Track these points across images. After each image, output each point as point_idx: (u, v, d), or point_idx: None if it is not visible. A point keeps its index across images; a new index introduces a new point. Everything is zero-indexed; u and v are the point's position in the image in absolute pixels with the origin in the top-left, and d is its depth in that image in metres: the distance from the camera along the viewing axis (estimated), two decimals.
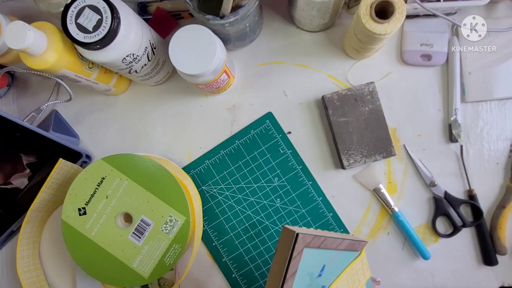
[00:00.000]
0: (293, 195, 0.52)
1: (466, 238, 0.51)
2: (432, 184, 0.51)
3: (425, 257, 0.49)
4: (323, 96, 0.51)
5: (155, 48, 0.47)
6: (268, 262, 0.52)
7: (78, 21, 0.39)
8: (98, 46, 0.39)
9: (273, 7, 0.54)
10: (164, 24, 0.54)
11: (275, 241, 0.52)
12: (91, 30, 0.39)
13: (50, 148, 0.51)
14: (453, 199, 0.50)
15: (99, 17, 0.39)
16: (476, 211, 0.50)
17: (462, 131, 0.50)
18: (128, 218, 0.45)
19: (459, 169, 0.51)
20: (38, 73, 0.44)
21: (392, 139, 0.50)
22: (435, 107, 0.52)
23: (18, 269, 0.50)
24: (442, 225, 0.51)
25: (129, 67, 0.45)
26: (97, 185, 0.44)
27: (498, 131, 0.51)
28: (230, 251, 0.52)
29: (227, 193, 0.53)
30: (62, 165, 0.48)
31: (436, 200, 0.50)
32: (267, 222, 0.52)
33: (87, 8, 0.39)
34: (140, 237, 0.44)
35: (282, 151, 0.53)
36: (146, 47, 0.45)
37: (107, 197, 0.44)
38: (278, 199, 0.52)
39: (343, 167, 0.51)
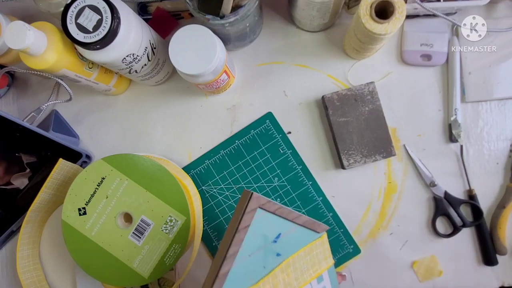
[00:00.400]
0: (293, 195, 0.52)
1: (466, 238, 0.51)
2: (432, 184, 0.51)
3: None
4: (323, 96, 0.51)
5: (155, 48, 0.47)
6: None
7: (78, 21, 0.39)
8: (98, 46, 0.39)
9: (273, 7, 0.54)
10: (164, 24, 0.54)
11: None
12: (91, 30, 0.39)
13: (50, 148, 0.51)
14: (453, 199, 0.50)
15: (99, 17, 0.39)
16: (476, 211, 0.50)
17: (462, 131, 0.50)
18: (128, 218, 0.45)
19: (459, 169, 0.51)
20: (38, 73, 0.44)
21: (392, 139, 0.50)
22: (435, 107, 0.52)
23: (18, 269, 0.50)
24: (442, 225, 0.51)
25: (129, 67, 0.45)
26: (97, 185, 0.44)
27: (498, 131, 0.51)
28: None
29: (227, 193, 0.53)
30: (62, 165, 0.48)
31: (436, 200, 0.50)
32: None
33: (87, 8, 0.39)
34: (140, 237, 0.44)
35: (282, 151, 0.53)
36: (146, 47, 0.45)
37: (107, 197, 0.44)
38: (278, 199, 0.52)
39: (343, 167, 0.51)
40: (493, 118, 0.51)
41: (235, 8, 0.43)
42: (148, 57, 0.46)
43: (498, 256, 0.49)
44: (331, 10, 0.46)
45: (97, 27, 0.39)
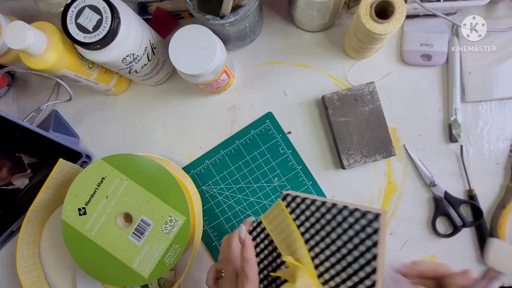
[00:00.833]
0: None
1: (466, 238, 0.51)
2: (432, 184, 0.51)
3: None
4: (323, 96, 0.51)
5: (155, 48, 0.47)
6: None
7: (78, 21, 0.39)
8: (98, 46, 0.39)
9: (273, 7, 0.54)
10: (164, 24, 0.54)
11: None
12: (91, 30, 0.39)
13: (50, 148, 0.51)
14: (453, 199, 0.50)
15: (99, 17, 0.39)
16: (476, 211, 0.50)
17: (462, 131, 0.50)
18: (128, 218, 0.45)
19: (459, 169, 0.51)
20: (38, 73, 0.44)
21: (392, 139, 0.50)
22: (435, 107, 0.52)
23: (18, 269, 0.50)
24: (442, 225, 0.51)
25: (129, 67, 0.45)
26: (97, 185, 0.44)
27: (498, 131, 0.51)
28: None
29: (227, 193, 0.53)
30: (62, 165, 0.48)
31: (436, 200, 0.50)
32: None
33: (87, 8, 0.39)
34: (140, 237, 0.44)
35: (282, 151, 0.53)
36: (146, 47, 0.45)
37: (107, 197, 0.44)
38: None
39: (343, 167, 0.51)
40: (493, 118, 0.51)
41: (235, 8, 0.43)
42: (148, 57, 0.46)
43: None
44: (331, 10, 0.46)
45: (97, 27, 0.39)
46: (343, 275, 0.31)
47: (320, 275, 0.32)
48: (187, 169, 0.54)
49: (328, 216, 0.32)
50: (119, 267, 0.44)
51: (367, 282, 0.29)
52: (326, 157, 0.53)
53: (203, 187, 0.54)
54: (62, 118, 0.55)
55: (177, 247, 0.44)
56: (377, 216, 0.29)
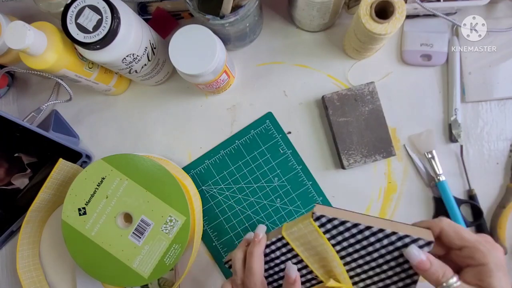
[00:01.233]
0: (293, 195, 0.52)
1: None
2: (432, 184, 0.51)
3: None
4: (323, 96, 0.51)
5: (155, 48, 0.47)
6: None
7: (78, 21, 0.39)
8: (98, 46, 0.39)
9: (273, 7, 0.54)
10: (164, 24, 0.54)
11: None
12: (91, 30, 0.39)
13: (50, 148, 0.51)
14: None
15: (99, 17, 0.39)
16: (476, 211, 0.50)
17: (462, 131, 0.50)
18: (128, 218, 0.45)
19: (459, 169, 0.51)
20: (38, 73, 0.44)
21: (392, 139, 0.50)
22: (435, 107, 0.52)
23: (18, 269, 0.50)
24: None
25: (129, 67, 0.45)
26: (97, 185, 0.44)
27: (498, 131, 0.51)
28: (230, 251, 0.52)
29: (227, 193, 0.53)
30: (62, 165, 0.48)
31: (436, 200, 0.50)
32: (267, 222, 0.52)
33: (87, 8, 0.39)
34: (140, 237, 0.44)
35: (282, 151, 0.53)
36: (146, 47, 0.45)
37: (107, 197, 0.44)
38: (278, 199, 0.52)
39: (343, 167, 0.51)
40: (493, 118, 0.51)
41: (235, 8, 0.43)
42: (148, 57, 0.46)
43: None
44: (331, 10, 0.46)
45: (97, 27, 0.39)
46: None
47: None
48: (187, 169, 0.54)
49: (372, 239, 0.31)
50: (119, 267, 0.44)
51: None
52: (326, 157, 0.53)
53: (203, 187, 0.54)
54: (62, 118, 0.56)
55: (177, 247, 0.44)
56: (429, 243, 0.29)
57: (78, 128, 0.56)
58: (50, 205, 0.52)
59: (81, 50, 0.42)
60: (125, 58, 0.42)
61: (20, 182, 0.53)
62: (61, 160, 0.47)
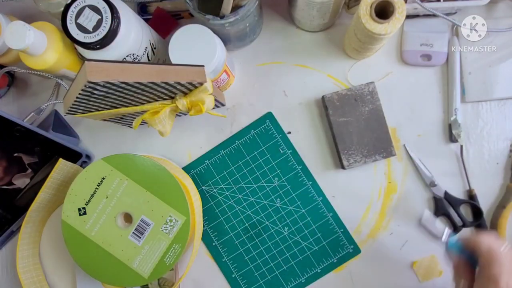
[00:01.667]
0: (293, 195, 0.52)
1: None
2: (432, 184, 0.51)
3: None
4: (323, 96, 0.51)
5: (155, 48, 0.47)
6: (268, 262, 0.52)
7: (78, 21, 0.39)
8: (98, 46, 0.39)
9: (273, 7, 0.54)
10: (164, 24, 0.54)
11: (275, 241, 0.52)
12: (91, 30, 0.39)
13: (50, 148, 0.51)
14: (453, 199, 0.50)
15: (99, 17, 0.39)
16: (476, 211, 0.50)
17: (462, 131, 0.50)
18: (128, 218, 0.45)
19: (459, 169, 0.51)
20: (38, 73, 0.44)
21: (392, 139, 0.50)
22: (435, 107, 0.52)
23: (18, 269, 0.50)
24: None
25: None
26: (97, 185, 0.44)
27: (498, 131, 0.51)
28: (230, 251, 0.52)
29: (227, 193, 0.53)
30: (62, 165, 0.48)
31: (436, 200, 0.50)
32: (267, 222, 0.52)
33: (87, 8, 0.39)
34: (140, 237, 0.44)
35: (282, 151, 0.53)
36: (146, 47, 0.45)
37: (107, 197, 0.44)
38: (278, 199, 0.52)
39: (343, 167, 0.51)
40: (493, 118, 0.51)
41: (235, 8, 0.43)
42: (148, 57, 0.46)
43: None
44: (331, 10, 0.46)
45: (97, 27, 0.39)
46: None
47: None
48: (187, 169, 0.54)
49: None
50: (119, 267, 0.44)
51: None
52: (326, 157, 0.53)
53: (203, 187, 0.54)
54: (62, 118, 0.55)
55: (177, 247, 0.44)
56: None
57: (78, 128, 0.56)
58: (50, 205, 0.52)
59: (81, 50, 0.42)
60: (125, 58, 0.42)
61: (21, 182, 0.53)
62: (61, 160, 0.47)
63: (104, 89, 0.35)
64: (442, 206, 0.50)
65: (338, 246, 0.52)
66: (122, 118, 0.47)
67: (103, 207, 0.44)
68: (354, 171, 0.52)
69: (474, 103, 0.51)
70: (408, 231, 0.51)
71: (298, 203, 0.52)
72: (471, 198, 0.50)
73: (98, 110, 0.41)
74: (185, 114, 0.52)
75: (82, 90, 0.34)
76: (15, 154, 0.52)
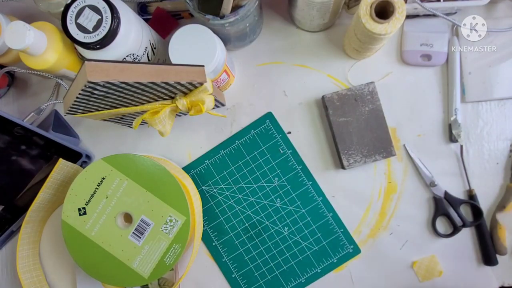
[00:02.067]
0: (293, 195, 0.52)
1: (466, 238, 0.51)
2: (432, 184, 0.51)
3: None
4: (323, 96, 0.51)
5: (155, 48, 0.47)
6: (268, 262, 0.52)
7: (78, 21, 0.39)
8: (98, 46, 0.39)
9: (273, 7, 0.54)
10: (164, 24, 0.54)
11: (275, 241, 0.52)
12: (91, 30, 0.39)
13: (50, 148, 0.51)
14: (453, 199, 0.50)
15: (99, 17, 0.39)
16: (476, 211, 0.50)
17: (462, 131, 0.50)
18: (128, 218, 0.45)
19: (459, 169, 0.51)
20: (38, 73, 0.44)
21: (392, 139, 0.50)
22: (435, 107, 0.52)
23: (18, 269, 0.50)
24: (442, 225, 0.51)
25: None
26: (97, 185, 0.44)
27: (498, 131, 0.51)
28: (230, 251, 0.52)
29: (227, 193, 0.53)
30: (62, 165, 0.48)
31: (436, 200, 0.50)
32: (267, 222, 0.52)
33: (87, 8, 0.39)
34: (140, 237, 0.44)
35: (282, 151, 0.53)
36: (146, 47, 0.45)
37: (107, 197, 0.44)
38: (278, 199, 0.52)
39: (343, 167, 0.51)
40: (493, 118, 0.51)
41: (235, 8, 0.43)
42: (148, 57, 0.46)
43: (498, 256, 0.49)
44: (331, 10, 0.46)
45: (97, 27, 0.39)
46: None
47: None
48: (187, 169, 0.54)
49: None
50: (119, 267, 0.44)
51: None
52: (326, 157, 0.53)
53: (203, 187, 0.54)
54: (62, 118, 0.55)
55: (177, 247, 0.44)
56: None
57: (78, 128, 0.56)
58: (50, 205, 0.52)
59: (81, 50, 0.42)
60: (125, 58, 0.42)
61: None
62: (61, 160, 0.47)
63: (104, 89, 0.35)
64: (442, 206, 0.50)
65: (338, 246, 0.52)
66: (122, 118, 0.47)
67: (103, 207, 0.44)
68: (354, 171, 0.52)
69: (474, 103, 0.51)
70: (408, 231, 0.51)
71: (298, 203, 0.52)
72: (471, 198, 0.50)
73: (98, 110, 0.41)
74: (185, 114, 0.52)
75: (82, 90, 0.34)
76: (14, 157, 0.52)
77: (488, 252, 0.49)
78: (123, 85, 0.35)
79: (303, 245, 0.52)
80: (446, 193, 0.50)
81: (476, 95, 0.50)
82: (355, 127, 0.50)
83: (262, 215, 0.52)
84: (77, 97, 0.36)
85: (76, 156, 0.52)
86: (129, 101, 0.41)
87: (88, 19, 0.39)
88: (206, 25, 0.43)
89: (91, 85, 0.34)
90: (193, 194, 0.49)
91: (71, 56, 0.44)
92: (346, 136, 0.50)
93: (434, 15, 0.46)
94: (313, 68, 0.54)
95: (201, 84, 0.40)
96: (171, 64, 0.39)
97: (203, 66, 0.40)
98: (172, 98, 0.43)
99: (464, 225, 0.50)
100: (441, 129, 0.52)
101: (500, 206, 0.50)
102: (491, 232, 0.50)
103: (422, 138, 0.52)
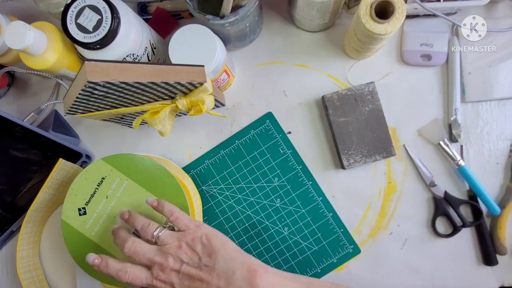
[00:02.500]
0: (293, 195, 0.52)
1: (466, 238, 0.51)
2: (432, 184, 0.51)
3: (494, 212, 0.48)
4: (323, 96, 0.51)
5: (155, 48, 0.47)
6: (268, 262, 0.52)
7: (78, 21, 0.39)
8: (98, 46, 0.39)
9: (273, 7, 0.54)
10: (164, 24, 0.54)
11: (275, 241, 0.52)
12: (91, 30, 0.39)
13: (50, 148, 0.51)
14: (453, 199, 0.50)
15: (99, 17, 0.39)
16: (476, 211, 0.50)
17: (462, 131, 0.50)
18: None
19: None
20: (38, 73, 0.44)
21: (392, 139, 0.50)
22: (435, 107, 0.52)
23: (18, 269, 0.50)
24: (442, 225, 0.51)
25: None
26: (97, 185, 0.44)
27: (498, 131, 0.51)
28: None
29: (227, 193, 0.53)
30: (62, 165, 0.48)
31: (436, 200, 0.50)
32: (267, 222, 0.52)
33: (87, 8, 0.39)
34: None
35: (282, 151, 0.53)
36: (146, 47, 0.45)
37: (107, 197, 0.44)
38: (278, 199, 0.52)
39: (343, 167, 0.51)
40: (493, 118, 0.51)
41: (235, 8, 0.43)
42: (148, 57, 0.46)
43: (498, 256, 0.49)
44: (331, 10, 0.46)
45: (97, 27, 0.39)
46: None
47: None
48: (187, 169, 0.54)
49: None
50: None
51: None
52: (326, 157, 0.53)
53: (203, 187, 0.54)
54: (62, 118, 0.55)
55: None
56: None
57: (78, 128, 0.56)
58: (50, 205, 0.52)
59: (81, 50, 0.42)
60: (125, 58, 0.42)
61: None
62: (61, 160, 0.47)
63: (104, 89, 0.35)
64: (442, 206, 0.50)
65: (338, 246, 0.52)
66: (122, 118, 0.47)
67: (103, 207, 0.44)
68: (354, 171, 0.52)
69: (474, 103, 0.51)
70: (408, 231, 0.51)
71: (298, 203, 0.52)
72: (471, 198, 0.50)
73: (98, 110, 0.41)
74: (185, 114, 0.52)
75: (82, 90, 0.34)
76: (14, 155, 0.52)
77: (488, 252, 0.49)
78: (123, 85, 0.35)
79: (303, 245, 0.52)
80: (446, 193, 0.50)
81: (476, 95, 0.50)
82: (355, 127, 0.50)
83: (262, 215, 0.52)
84: (77, 97, 0.36)
85: (76, 156, 0.52)
86: (129, 101, 0.40)
87: (88, 19, 0.39)
88: (206, 25, 0.43)
89: (91, 85, 0.34)
90: (193, 194, 0.49)
91: (71, 56, 0.44)
92: (346, 136, 0.50)
93: (434, 15, 0.46)
94: (313, 68, 0.54)
95: (201, 84, 0.40)
96: (171, 64, 0.39)
97: (203, 66, 0.40)
98: (172, 98, 0.43)
99: (464, 225, 0.50)
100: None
101: (500, 206, 0.50)
102: (491, 232, 0.50)
103: (422, 138, 0.52)
